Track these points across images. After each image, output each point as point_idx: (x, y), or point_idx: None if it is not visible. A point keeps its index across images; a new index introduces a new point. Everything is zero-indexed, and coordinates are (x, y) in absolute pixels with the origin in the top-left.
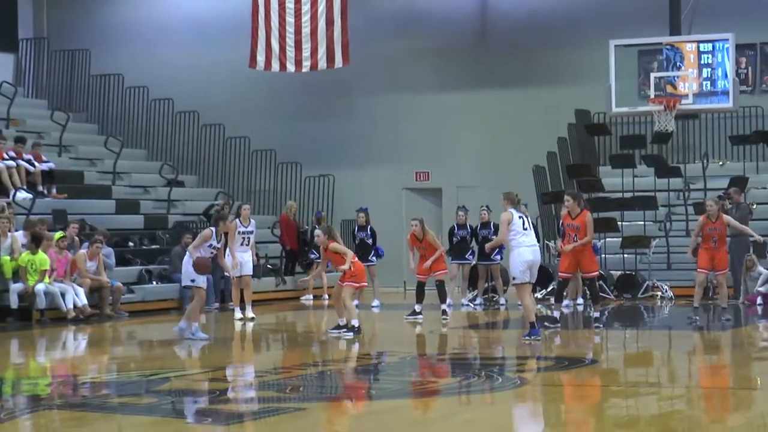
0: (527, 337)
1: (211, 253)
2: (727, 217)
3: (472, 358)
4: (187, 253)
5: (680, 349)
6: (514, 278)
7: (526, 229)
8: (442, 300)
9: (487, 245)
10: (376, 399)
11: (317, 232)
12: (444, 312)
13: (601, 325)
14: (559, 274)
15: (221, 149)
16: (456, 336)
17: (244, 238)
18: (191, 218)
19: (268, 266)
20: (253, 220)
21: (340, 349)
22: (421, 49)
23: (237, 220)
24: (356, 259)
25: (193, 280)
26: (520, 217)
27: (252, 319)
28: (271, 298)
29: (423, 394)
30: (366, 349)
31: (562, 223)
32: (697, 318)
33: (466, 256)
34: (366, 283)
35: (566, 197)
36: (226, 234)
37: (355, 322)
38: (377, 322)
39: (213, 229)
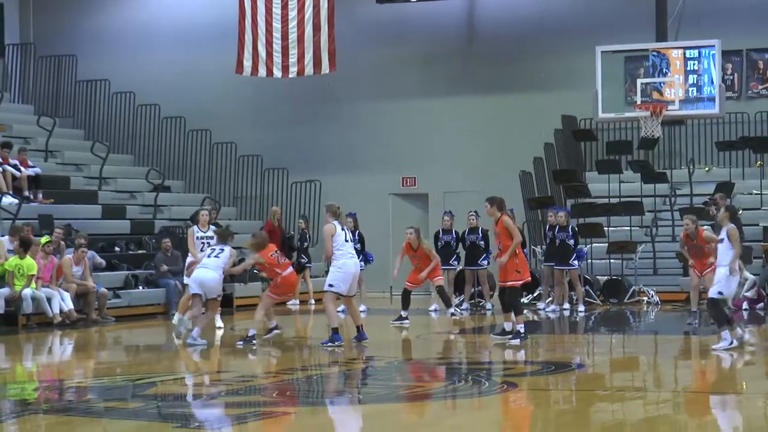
0: (327, 344)
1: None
2: (706, 234)
3: (458, 363)
4: (218, 268)
5: (666, 353)
6: (331, 285)
7: (347, 242)
8: (447, 305)
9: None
10: (363, 404)
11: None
12: (452, 314)
13: (523, 338)
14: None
15: (208, 155)
16: (442, 341)
17: (203, 244)
18: (177, 223)
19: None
20: (212, 227)
21: (327, 353)
22: (408, 55)
23: (195, 226)
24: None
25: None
26: (343, 230)
27: (220, 328)
28: (257, 303)
29: (410, 399)
30: (353, 354)
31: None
32: (697, 322)
33: (451, 262)
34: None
35: (485, 203)
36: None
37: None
38: (365, 327)
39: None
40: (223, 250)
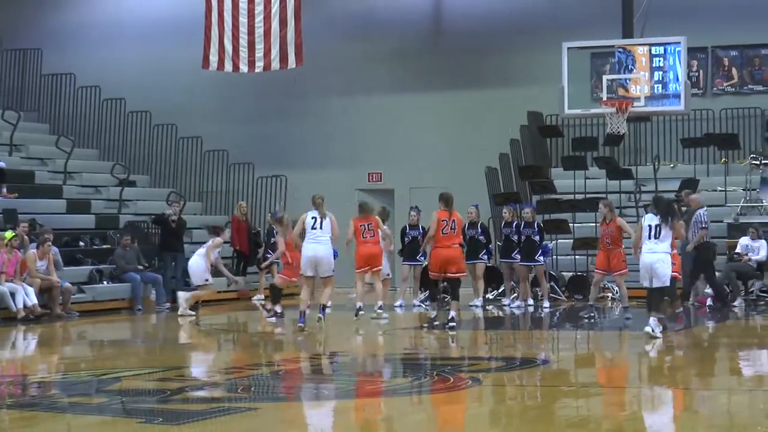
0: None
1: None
2: (620, 221)
3: (423, 359)
4: (201, 255)
5: (630, 349)
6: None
7: (313, 229)
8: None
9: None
10: (327, 399)
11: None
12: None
13: (454, 326)
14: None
15: (173, 149)
16: (408, 336)
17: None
18: (143, 218)
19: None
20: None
21: (292, 349)
22: (375, 50)
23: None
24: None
25: (207, 280)
26: (313, 218)
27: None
28: (222, 298)
29: (374, 394)
30: (318, 350)
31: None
32: (593, 315)
33: (418, 257)
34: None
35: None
36: None
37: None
38: (329, 322)
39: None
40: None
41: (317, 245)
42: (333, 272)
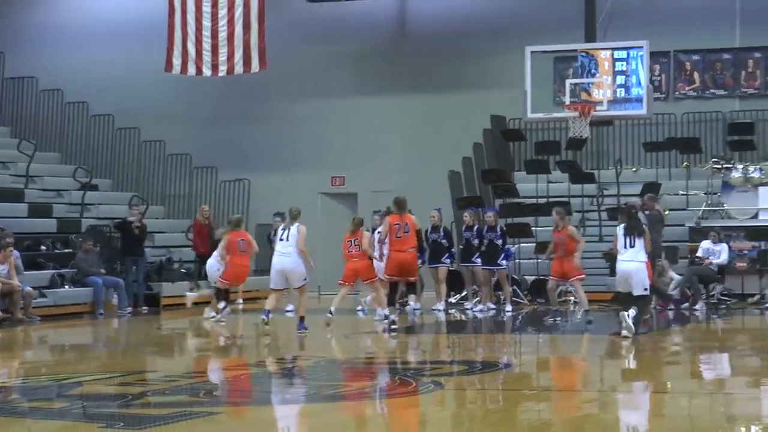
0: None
1: None
2: (570, 229)
3: (386, 363)
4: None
5: (592, 353)
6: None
7: (281, 240)
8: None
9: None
10: (289, 403)
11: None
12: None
13: (395, 329)
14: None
15: (136, 153)
16: (371, 340)
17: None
18: (105, 222)
19: (182, 270)
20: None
21: (255, 353)
22: (338, 53)
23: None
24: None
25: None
26: (283, 230)
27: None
28: (184, 302)
29: (337, 398)
30: (281, 354)
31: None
32: (558, 319)
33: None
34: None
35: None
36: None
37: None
38: (292, 327)
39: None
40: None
41: (284, 258)
42: (305, 281)
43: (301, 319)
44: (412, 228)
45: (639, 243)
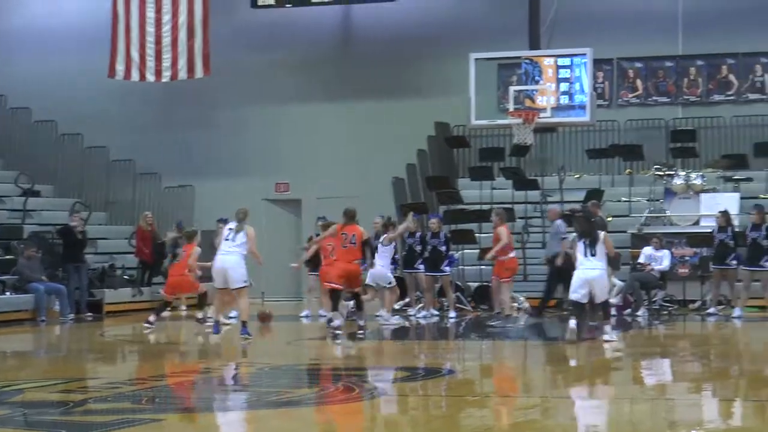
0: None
1: None
2: (500, 229)
3: (329, 369)
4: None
5: (535, 359)
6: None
7: (226, 240)
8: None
9: None
10: (232, 410)
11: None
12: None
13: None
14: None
15: (79, 159)
16: (314, 347)
17: None
18: (47, 229)
19: (125, 277)
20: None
21: (197, 359)
22: (282, 60)
23: None
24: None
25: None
26: (229, 230)
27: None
28: (127, 309)
29: (279, 405)
30: (224, 360)
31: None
32: (503, 323)
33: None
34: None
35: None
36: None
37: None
38: (235, 333)
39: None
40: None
41: (225, 256)
42: (246, 283)
43: (243, 324)
44: (359, 240)
45: (599, 250)
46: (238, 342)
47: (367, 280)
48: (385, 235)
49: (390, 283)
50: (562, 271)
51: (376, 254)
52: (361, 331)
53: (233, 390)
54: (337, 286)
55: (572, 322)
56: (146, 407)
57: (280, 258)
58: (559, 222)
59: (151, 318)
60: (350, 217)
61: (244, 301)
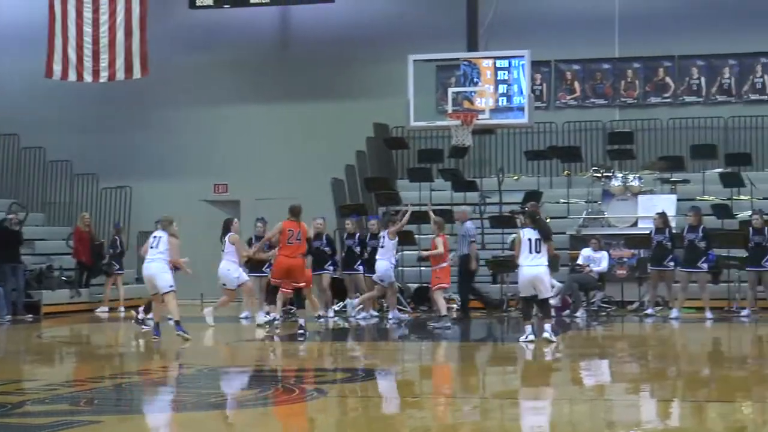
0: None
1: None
2: (437, 239)
3: (269, 371)
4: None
5: (473, 360)
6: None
7: (151, 248)
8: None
9: None
10: (171, 411)
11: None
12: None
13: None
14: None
15: (15, 160)
16: (253, 348)
17: None
18: None
19: (63, 278)
20: None
21: (137, 361)
22: (221, 61)
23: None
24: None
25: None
26: (154, 237)
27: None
28: (65, 310)
29: (219, 407)
30: (163, 362)
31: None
32: (443, 326)
33: (264, 269)
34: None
35: None
36: None
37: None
38: (173, 334)
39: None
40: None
41: (150, 263)
42: (172, 288)
43: (177, 323)
44: (304, 236)
45: (543, 247)
46: (179, 343)
47: (374, 277)
48: (389, 230)
49: (389, 280)
50: (472, 273)
51: (378, 251)
52: (301, 331)
53: (172, 391)
54: (277, 281)
55: (528, 328)
56: (84, 409)
57: (219, 259)
58: (468, 224)
59: (145, 315)
60: (295, 213)
61: (173, 304)
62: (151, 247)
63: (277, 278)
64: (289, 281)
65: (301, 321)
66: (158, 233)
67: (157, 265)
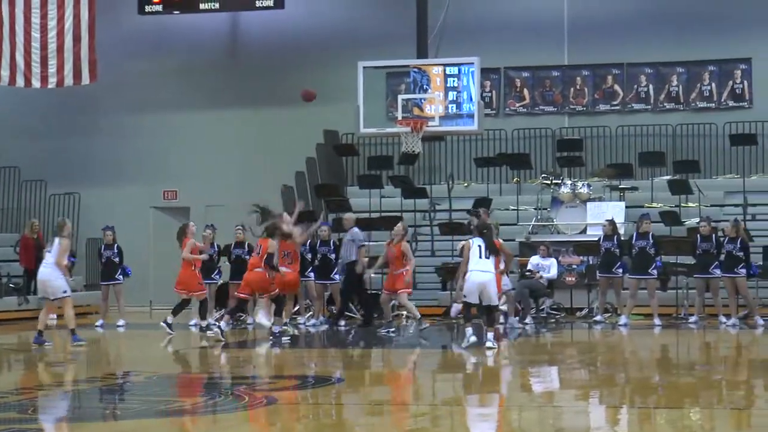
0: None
1: None
2: (404, 245)
3: (219, 378)
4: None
5: (424, 367)
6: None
7: (48, 252)
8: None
9: None
10: (119, 419)
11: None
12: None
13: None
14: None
15: None
16: (203, 355)
17: None
18: None
19: (11, 285)
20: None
21: (85, 369)
22: (170, 67)
23: None
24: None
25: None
26: (49, 242)
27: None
28: (13, 317)
29: (168, 414)
30: (111, 369)
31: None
32: (391, 332)
33: (213, 276)
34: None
35: None
36: None
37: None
38: (123, 341)
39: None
40: None
41: (43, 269)
42: (65, 293)
43: (72, 331)
44: (263, 251)
45: (493, 254)
46: (130, 350)
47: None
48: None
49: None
50: (359, 278)
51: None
52: (272, 338)
53: (122, 399)
54: (243, 295)
55: (469, 331)
56: (33, 417)
57: (167, 266)
58: (355, 230)
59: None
60: (266, 231)
61: (68, 311)
62: (47, 251)
63: (247, 293)
64: (255, 291)
65: (276, 328)
66: (55, 239)
67: (49, 271)
